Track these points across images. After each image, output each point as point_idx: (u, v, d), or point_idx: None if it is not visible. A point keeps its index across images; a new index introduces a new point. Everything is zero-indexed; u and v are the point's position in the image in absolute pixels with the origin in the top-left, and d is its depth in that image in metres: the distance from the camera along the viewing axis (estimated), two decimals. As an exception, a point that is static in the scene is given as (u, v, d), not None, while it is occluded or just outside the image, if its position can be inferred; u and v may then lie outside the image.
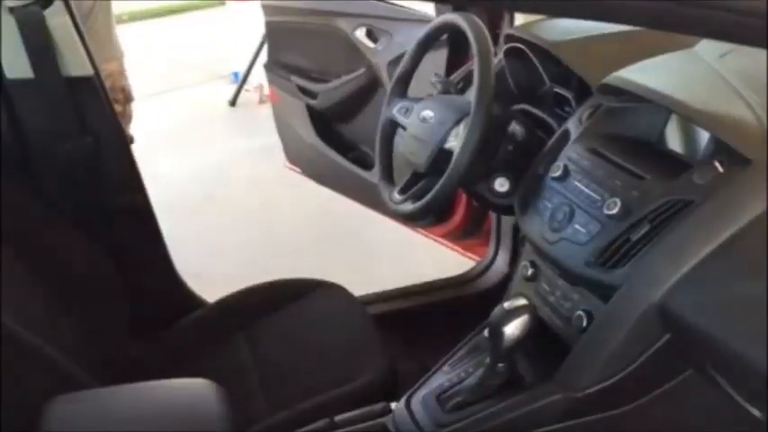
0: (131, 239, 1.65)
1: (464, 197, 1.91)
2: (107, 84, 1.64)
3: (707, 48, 1.23)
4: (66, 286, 1.34)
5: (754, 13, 0.56)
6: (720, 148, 1.01)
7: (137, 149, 1.68)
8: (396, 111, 1.45)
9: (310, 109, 2.29)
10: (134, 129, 2.36)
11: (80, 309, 1.35)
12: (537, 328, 1.12)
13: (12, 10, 1.38)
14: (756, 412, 0.93)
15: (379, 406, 1.30)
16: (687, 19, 0.60)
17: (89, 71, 1.49)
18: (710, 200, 0.97)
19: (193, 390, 1.06)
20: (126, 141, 1.59)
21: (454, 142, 1.30)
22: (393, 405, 1.29)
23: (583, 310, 1.11)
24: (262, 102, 4.23)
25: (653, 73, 1.21)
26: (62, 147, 1.49)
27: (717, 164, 0.99)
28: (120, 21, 5.48)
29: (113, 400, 1.05)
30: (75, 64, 1.47)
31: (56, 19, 1.42)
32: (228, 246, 2.83)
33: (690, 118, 1.06)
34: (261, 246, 2.36)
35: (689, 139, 1.09)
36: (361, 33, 2.09)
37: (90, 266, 1.49)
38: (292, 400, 1.37)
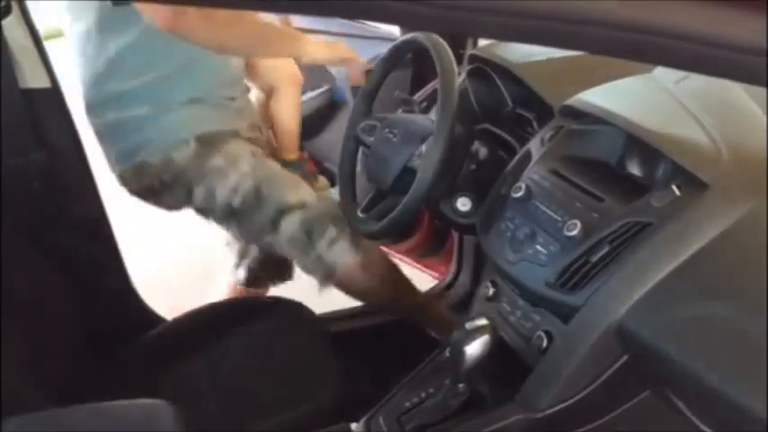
0: (87, 254, 1.62)
1: (426, 215, 1.91)
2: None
3: (664, 72, 1.25)
4: (17, 302, 1.30)
5: (751, 50, 0.56)
6: (678, 172, 1.03)
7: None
8: (359, 129, 1.45)
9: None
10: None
11: (33, 325, 1.31)
12: (498, 349, 1.12)
13: (-34, 20, 1.35)
14: (712, 433, 0.94)
15: (338, 427, 1.28)
16: (679, 55, 0.59)
17: (46, 83, 1.46)
18: (668, 223, 0.98)
19: (149, 410, 1.03)
20: (84, 155, 1.56)
21: (418, 161, 1.30)
22: (353, 426, 1.28)
23: (543, 331, 1.12)
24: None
25: (613, 96, 1.23)
26: (17, 159, 1.45)
27: (674, 187, 1.01)
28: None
29: (66, 422, 1.02)
30: (32, 75, 1.44)
31: (13, 30, 1.40)
32: (187, 261, 2.79)
33: (648, 141, 1.08)
34: (219, 262, 2.33)
35: (647, 161, 1.11)
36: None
37: (43, 282, 1.45)
38: (250, 420, 1.35)
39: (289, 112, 1.82)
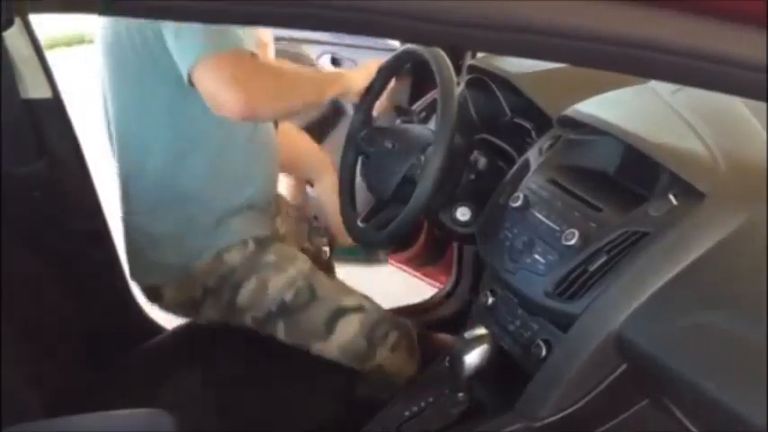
0: (88, 263, 1.62)
1: (426, 224, 1.92)
2: None
3: (661, 83, 1.26)
4: (17, 311, 1.30)
5: (752, 67, 0.56)
6: (675, 182, 1.03)
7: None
8: (359, 138, 1.46)
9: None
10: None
11: (32, 334, 1.31)
12: (497, 357, 1.12)
13: (-32, 31, 1.36)
14: (710, 442, 0.94)
15: (338, 437, 1.29)
16: (680, 71, 0.59)
17: (48, 93, 1.47)
18: (665, 232, 0.99)
19: (148, 420, 1.03)
20: (85, 164, 1.56)
21: (417, 171, 1.31)
22: (353, 435, 1.28)
23: (542, 340, 1.12)
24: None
25: (610, 107, 1.23)
26: (18, 168, 1.46)
27: (671, 197, 1.02)
28: (84, 41, 5.42)
29: (66, 430, 1.02)
30: (34, 85, 1.45)
31: (15, 40, 1.40)
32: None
33: (645, 151, 1.08)
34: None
35: (645, 171, 1.12)
36: (325, 60, 2.10)
37: (43, 290, 1.45)
38: (249, 430, 1.35)
39: (336, 198, 1.78)
